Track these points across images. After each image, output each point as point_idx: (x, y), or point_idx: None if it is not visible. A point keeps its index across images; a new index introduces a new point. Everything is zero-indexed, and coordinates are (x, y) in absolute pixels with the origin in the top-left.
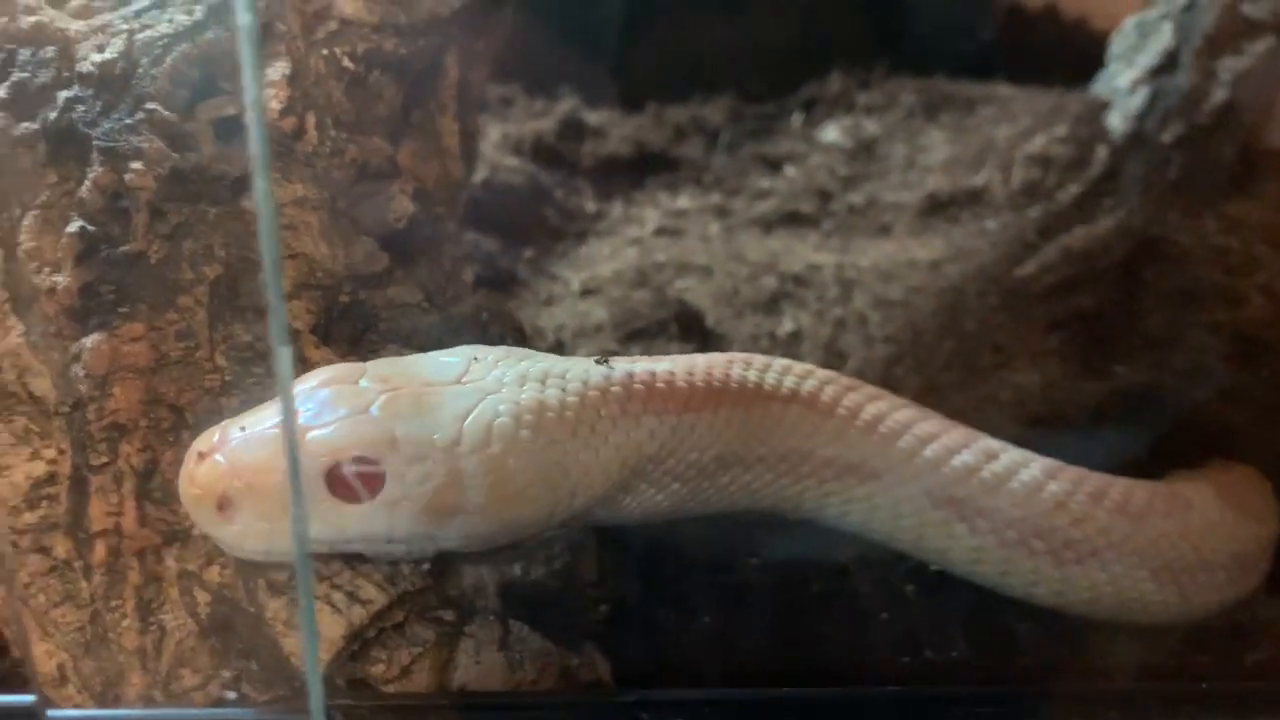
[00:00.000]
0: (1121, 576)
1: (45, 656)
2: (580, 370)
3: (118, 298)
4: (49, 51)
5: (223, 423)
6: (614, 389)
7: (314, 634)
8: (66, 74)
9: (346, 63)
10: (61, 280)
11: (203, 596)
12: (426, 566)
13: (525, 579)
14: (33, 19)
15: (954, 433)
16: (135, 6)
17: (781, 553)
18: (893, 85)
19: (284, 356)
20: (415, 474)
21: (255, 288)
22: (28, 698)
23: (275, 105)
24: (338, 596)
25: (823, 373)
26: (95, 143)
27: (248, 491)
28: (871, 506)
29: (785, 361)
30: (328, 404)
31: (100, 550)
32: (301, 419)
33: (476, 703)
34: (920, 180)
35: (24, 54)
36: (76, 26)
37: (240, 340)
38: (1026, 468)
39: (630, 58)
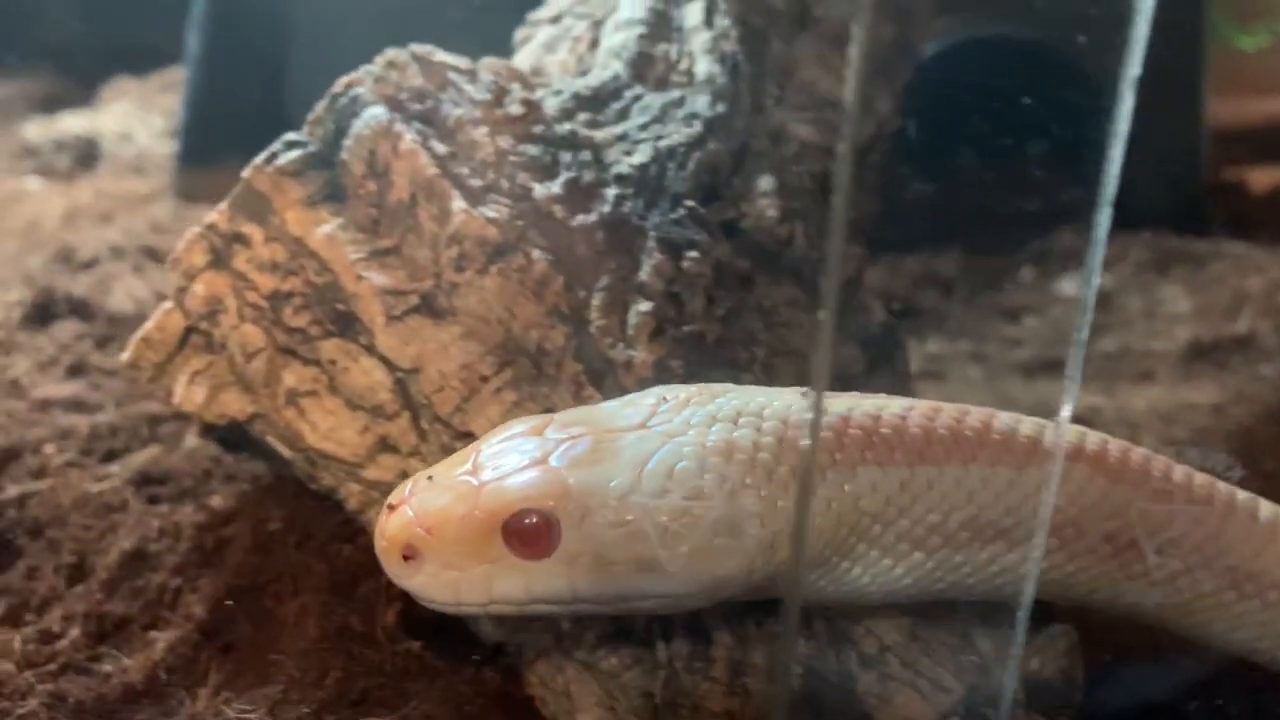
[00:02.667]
0: None
1: None
2: (781, 407)
3: (686, 373)
4: (585, 155)
5: (414, 475)
6: (822, 431)
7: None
8: (603, 175)
9: (807, 181)
10: (638, 355)
11: (793, 667)
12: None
13: (1040, 674)
14: (567, 126)
15: (1221, 491)
16: (637, 120)
17: None
18: (1121, 241)
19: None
20: (591, 527)
21: (792, 369)
22: None
23: (772, 214)
24: (922, 683)
25: (1098, 434)
26: (651, 233)
27: (430, 539)
28: (1174, 590)
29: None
30: (510, 455)
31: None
32: (485, 473)
33: None
34: (1169, 329)
35: (565, 156)
36: (599, 135)
37: None
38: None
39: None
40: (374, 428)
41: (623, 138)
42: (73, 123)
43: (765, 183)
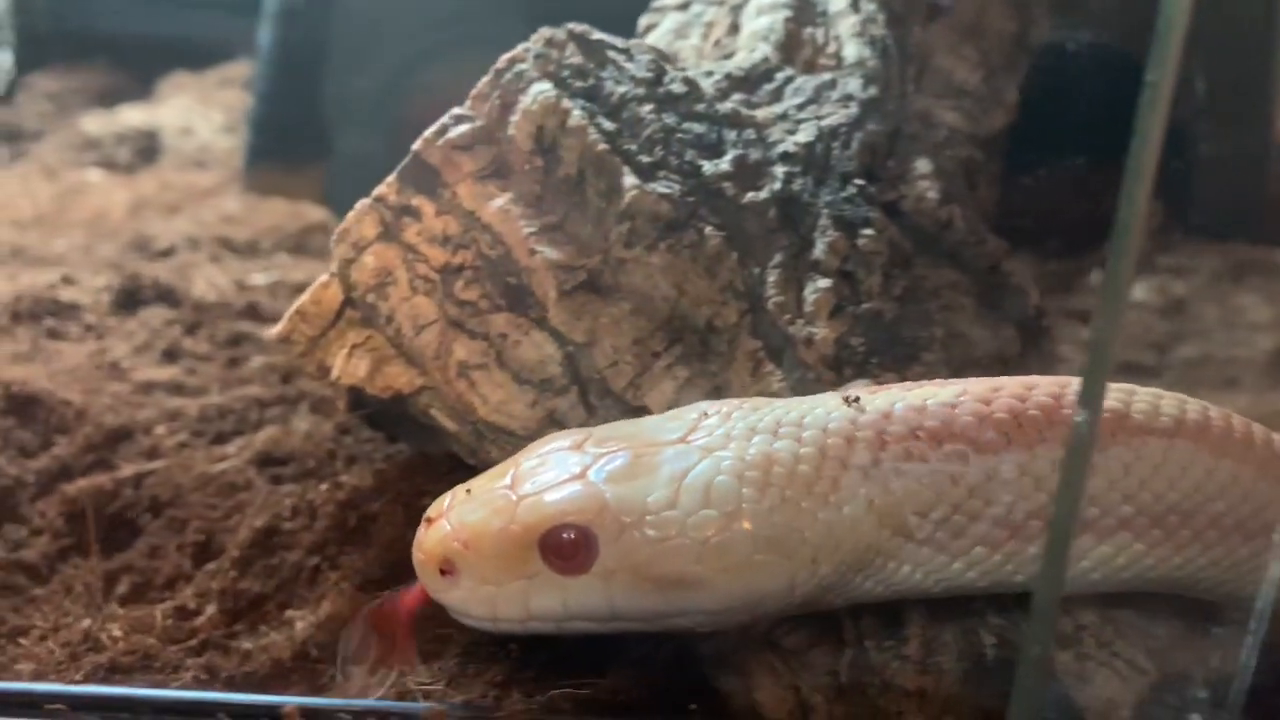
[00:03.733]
0: None
1: (776, 701)
2: (821, 415)
3: (867, 350)
4: (749, 133)
5: (454, 488)
6: (862, 433)
7: None
8: (768, 153)
9: (957, 167)
10: (818, 332)
11: (987, 638)
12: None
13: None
14: (729, 105)
15: None
16: (792, 101)
17: None
18: (1191, 249)
19: None
20: (628, 542)
21: (959, 352)
22: None
23: (932, 196)
24: (1119, 664)
25: (1196, 401)
26: (824, 211)
27: (467, 554)
28: None
29: (1151, 390)
30: (548, 470)
31: None
32: (523, 487)
33: None
34: (1249, 338)
35: (730, 134)
36: (760, 114)
37: None
38: None
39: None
40: (543, 401)
41: (783, 117)
42: (133, 116)
43: (922, 165)
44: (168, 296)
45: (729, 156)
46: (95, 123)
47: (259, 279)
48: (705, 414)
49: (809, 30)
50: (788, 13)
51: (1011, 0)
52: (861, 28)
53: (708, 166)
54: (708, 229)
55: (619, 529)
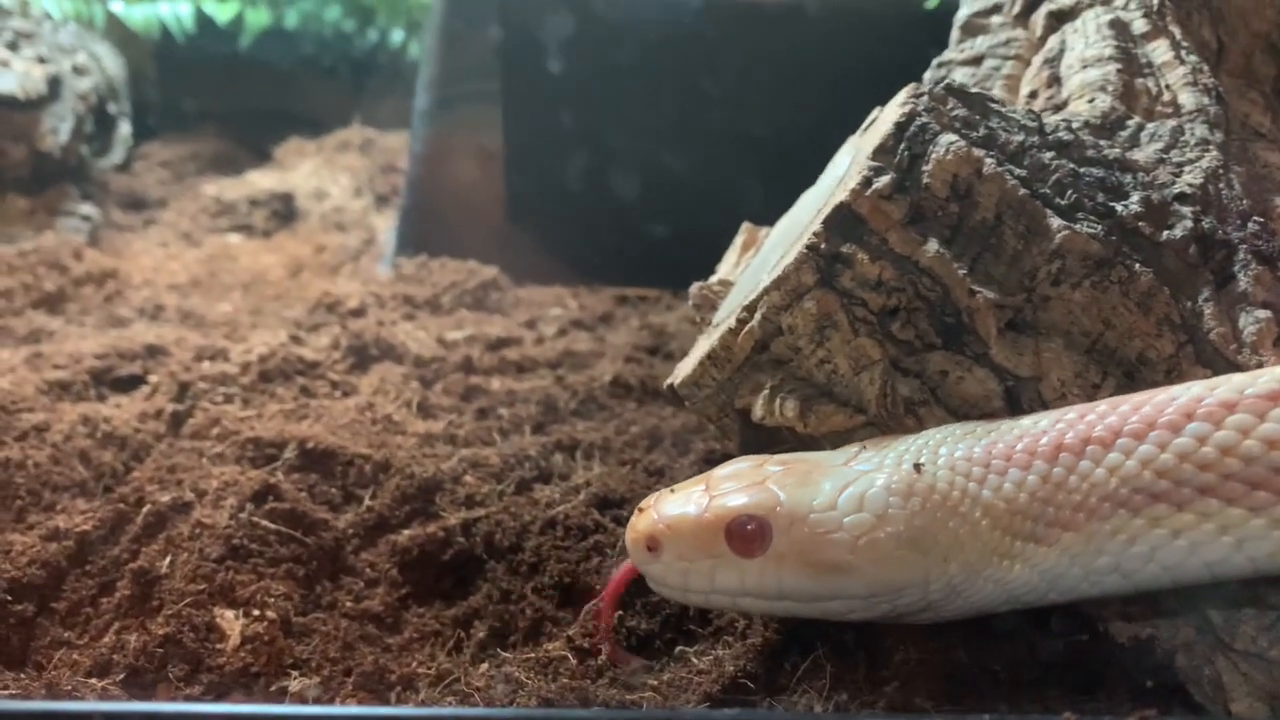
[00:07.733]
0: None
1: (1253, 711)
2: (951, 443)
3: None
4: (1142, 175)
5: (661, 490)
6: (976, 452)
7: None
8: (1164, 194)
9: None
10: (1266, 360)
11: None
12: None
13: None
14: (1115, 150)
15: None
16: (1154, 146)
17: None
18: None
19: None
20: (797, 532)
21: None
22: None
23: None
24: None
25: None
26: (1240, 246)
27: (668, 534)
28: None
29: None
30: (735, 479)
31: None
32: (715, 489)
33: None
34: None
35: (1126, 177)
36: (1141, 158)
37: None
38: None
39: None
40: None
41: (1161, 161)
42: (263, 181)
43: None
44: (390, 353)
45: (1136, 198)
46: (224, 188)
47: (456, 335)
48: (864, 446)
49: (1140, 81)
50: (1117, 65)
51: (1266, 47)
52: (1193, 77)
53: (1119, 207)
54: (1137, 265)
55: (790, 522)
